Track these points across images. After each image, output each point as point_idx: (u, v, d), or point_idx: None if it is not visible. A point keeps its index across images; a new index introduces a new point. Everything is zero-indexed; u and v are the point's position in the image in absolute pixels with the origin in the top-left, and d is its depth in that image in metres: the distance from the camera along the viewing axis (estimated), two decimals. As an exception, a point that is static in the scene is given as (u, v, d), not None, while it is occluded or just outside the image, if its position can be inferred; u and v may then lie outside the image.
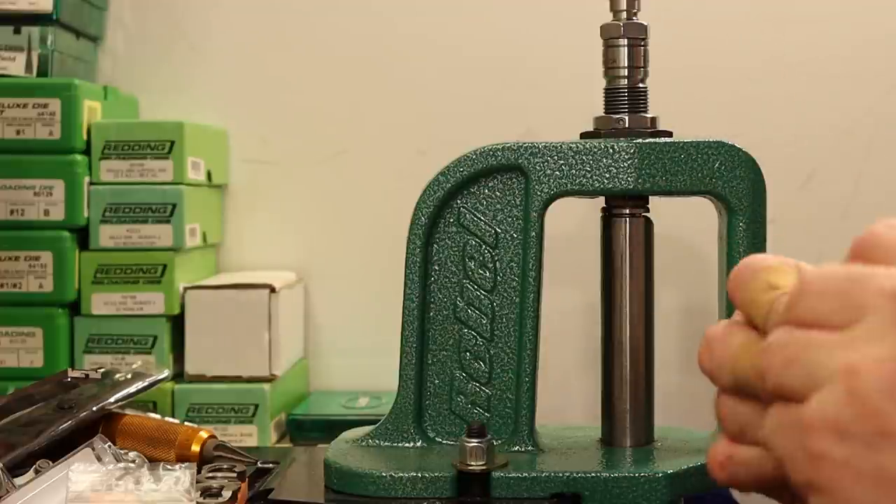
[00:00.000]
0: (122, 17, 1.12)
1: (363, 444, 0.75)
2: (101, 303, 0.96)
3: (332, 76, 1.11)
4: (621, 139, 0.74)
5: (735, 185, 0.73)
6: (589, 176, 0.73)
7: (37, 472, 0.67)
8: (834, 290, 0.39)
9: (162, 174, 0.97)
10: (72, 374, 0.83)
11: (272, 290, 0.97)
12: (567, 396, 1.08)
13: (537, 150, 0.74)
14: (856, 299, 0.38)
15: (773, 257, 0.44)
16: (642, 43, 0.76)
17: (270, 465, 0.77)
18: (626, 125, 0.75)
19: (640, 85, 0.76)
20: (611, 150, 0.73)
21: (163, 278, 0.96)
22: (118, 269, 0.96)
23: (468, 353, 0.75)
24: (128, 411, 0.80)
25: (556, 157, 0.74)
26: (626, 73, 0.76)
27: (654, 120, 0.76)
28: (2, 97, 0.95)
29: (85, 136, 0.96)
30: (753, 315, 0.43)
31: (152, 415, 0.82)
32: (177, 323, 0.98)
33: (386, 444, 0.75)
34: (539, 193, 0.74)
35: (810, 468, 0.38)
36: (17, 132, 0.95)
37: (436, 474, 0.69)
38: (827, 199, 1.08)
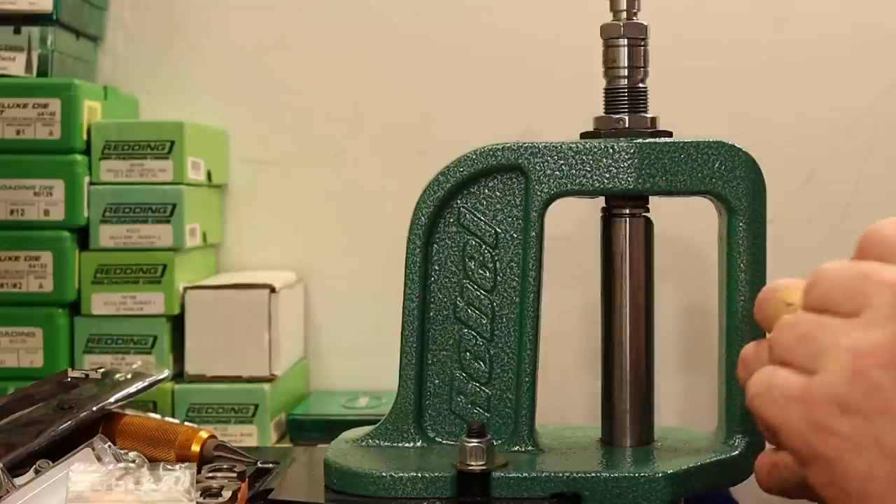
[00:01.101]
0: (122, 17, 1.12)
1: (363, 444, 0.75)
2: (101, 303, 0.96)
3: (332, 76, 1.11)
4: (621, 139, 0.74)
5: (735, 185, 0.73)
6: (589, 176, 0.73)
7: (37, 472, 0.66)
8: (844, 281, 0.43)
9: (162, 174, 0.97)
10: (72, 374, 0.83)
11: (272, 290, 0.97)
12: (567, 396, 1.08)
13: (537, 150, 0.74)
14: (862, 290, 0.42)
15: (787, 280, 0.48)
16: (642, 43, 0.76)
17: (270, 465, 0.77)
18: (626, 125, 0.75)
19: (640, 85, 0.76)
20: (611, 150, 0.73)
21: (163, 278, 0.96)
22: (118, 269, 0.96)
23: (468, 353, 0.75)
24: (128, 411, 0.80)
25: (556, 157, 0.73)
26: (626, 73, 0.76)
27: (654, 120, 0.76)
28: (2, 97, 0.94)
29: (85, 136, 0.96)
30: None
31: (152, 415, 0.82)
32: (177, 323, 0.98)
33: (386, 444, 0.75)
34: (539, 193, 0.74)
35: (813, 439, 0.41)
36: (17, 132, 0.95)
37: (436, 474, 0.69)
38: (827, 199, 1.08)
